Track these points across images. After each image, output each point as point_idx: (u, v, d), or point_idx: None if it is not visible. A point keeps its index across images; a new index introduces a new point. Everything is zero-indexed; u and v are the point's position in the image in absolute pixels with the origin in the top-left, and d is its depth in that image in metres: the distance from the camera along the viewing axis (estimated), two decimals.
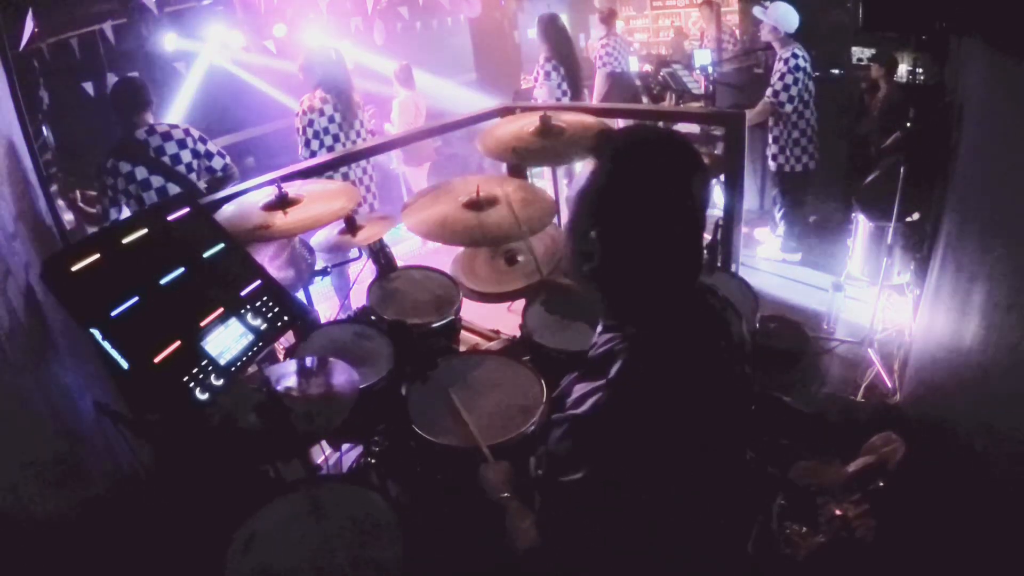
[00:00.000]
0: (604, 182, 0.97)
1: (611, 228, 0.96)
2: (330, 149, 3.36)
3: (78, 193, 2.92)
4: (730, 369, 1.04)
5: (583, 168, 1.03)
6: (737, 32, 6.56)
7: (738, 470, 1.16)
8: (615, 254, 0.97)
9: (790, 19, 3.92)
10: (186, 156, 2.88)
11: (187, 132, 2.93)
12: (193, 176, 2.91)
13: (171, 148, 2.85)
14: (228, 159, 3.08)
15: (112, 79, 4.59)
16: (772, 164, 4.27)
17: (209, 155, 2.98)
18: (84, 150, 3.85)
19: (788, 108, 3.98)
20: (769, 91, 4.02)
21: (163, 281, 1.34)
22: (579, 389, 0.98)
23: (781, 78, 3.93)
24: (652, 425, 0.90)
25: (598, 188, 0.98)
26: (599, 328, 1.09)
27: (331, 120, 3.37)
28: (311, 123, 3.33)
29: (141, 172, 2.76)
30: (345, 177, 3.36)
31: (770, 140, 4.24)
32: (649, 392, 0.92)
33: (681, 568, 0.99)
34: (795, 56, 3.90)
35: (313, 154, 3.33)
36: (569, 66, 4.65)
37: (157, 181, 2.79)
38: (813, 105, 4.12)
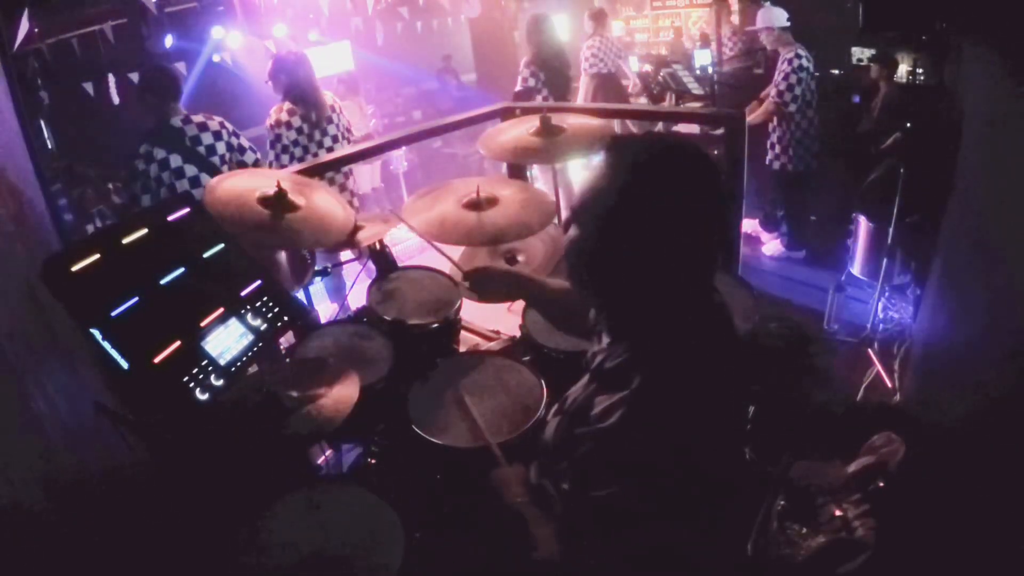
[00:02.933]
0: (621, 199, 0.94)
1: (636, 248, 0.93)
2: (300, 161, 3.22)
3: (110, 186, 2.93)
4: (736, 366, 1.04)
5: (589, 180, 1.00)
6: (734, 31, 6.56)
7: (738, 470, 1.16)
8: (639, 272, 0.95)
9: (777, 15, 4.05)
10: (220, 148, 2.89)
11: (222, 125, 2.94)
12: (224, 169, 2.91)
13: (207, 139, 2.85)
14: (259, 155, 3.10)
15: (112, 79, 4.61)
16: (776, 164, 4.28)
17: (242, 149, 3.01)
18: (84, 150, 3.86)
19: (792, 108, 4.03)
20: (774, 91, 4.08)
21: (163, 281, 1.34)
22: (601, 402, 0.97)
23: (785, 78, 4.00)
24: (679, 432, 0.90)
25: (615, 205, 0.94)
26: (606, 337, 1.08)
27: (299, 132, 3.26)
28: (278, 137, 3.23)
29: (176, 160, 2.76)
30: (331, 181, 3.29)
31: (773, 140, 4.25)
32: (674, 399, 0.92)
33: (680, 569, 0.99)
34: (798, 57, 3.99)
35: (282, 168, 3.19)
36: (551, 70, 4.37)
37: (191, 170, 2.79)
38: (815, 105, 4.16)
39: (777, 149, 4.25)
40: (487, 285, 1.52)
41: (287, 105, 3.27)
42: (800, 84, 3.99)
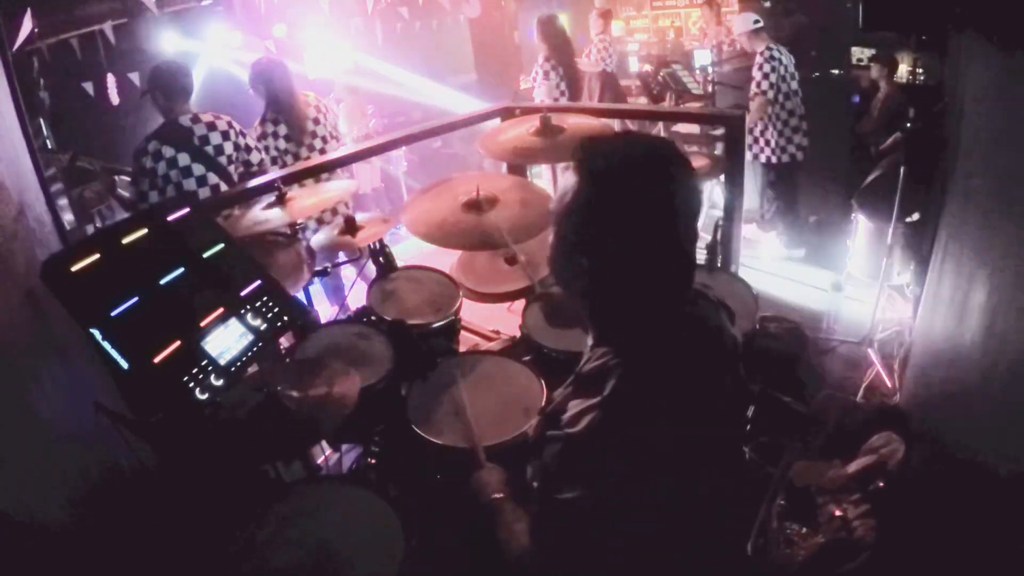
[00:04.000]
0: (586, 202, 0.95)
1: (597, 249, 0.94)
2: None
3: (116, 179, 2.92)
4: (723, 375, 1.03)
5: (563, 183, 1.00)
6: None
7: (736, 472, 1.16)
8: (603, 274, 0.95)
9: (744, 19, 4.33)
10: (228, 148, 2.89)
11: (230, 124, 2.93)
12: (231, 168, 2.92)
13: (215, 139, 2.84)
14: (264, 155, 3.09)
15: (112, 79, 4.61)
16: (762, 157, 4.35)
17: (248, 149, 3.00)
18: (84, 149, 3.85)
19: (770, 94, 4.19)
20: (754, 87, 4.24)
21: (163, 281, 1.34)
22: (574, 406, 0.96)
23: (760, 69, 4.21)
24: (648, 443, 0.90)
25: (580, 208, 0.95)
26: (590, 341, 1.08)
27: (288, 140, 3.23)
28: (267, 149, 3.20)
29: (184, 158, 2.75)
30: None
31: (756, 134, 4.32)
32: (644, 410, 0.91)
33: (680, 570, 0.99)
34: (769, 49, 4.20)
35: None
36: (567, 66, 4.65)
37: (198, 169, 2.79)
38: (797, 99, 4.26)
39: (761, 142, 4.34)
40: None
41: (270, 115, 3.23)
42: (774, 72, 4.15)
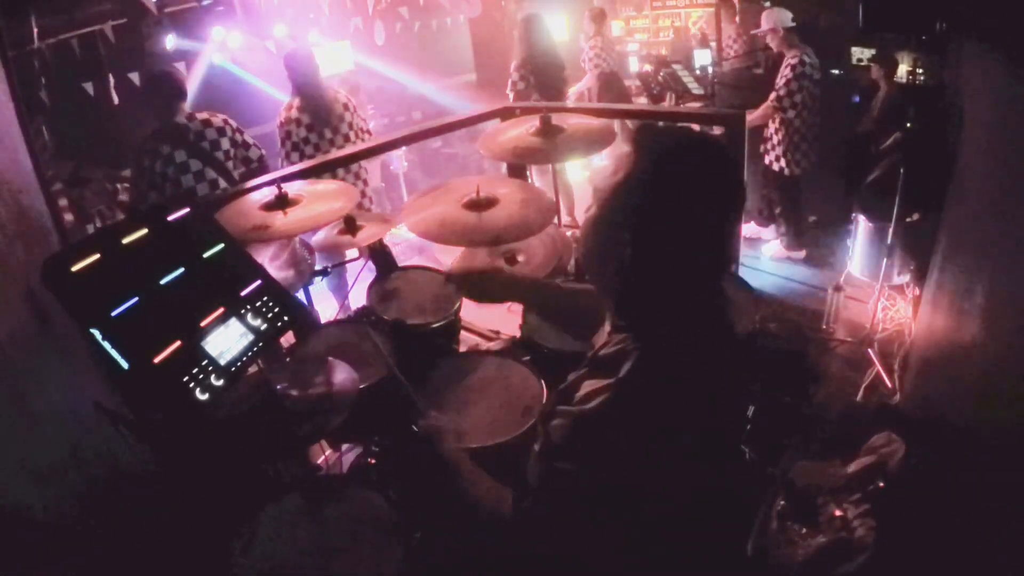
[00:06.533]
0: (646, 182, 0.94)
1: (647, 229, 0.94)
2: (310, 159, 3.18)
3: (118, 186, 2.97)
4: (731, 370, 1.04)
5: (616, 158, 1.00)
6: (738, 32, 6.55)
7: (737, 470, 1.16)
8: (646, 254, 0.95)
9: (783, 17, 4.03)
10: (224, 144, 2.93)
11: (226, 122, 2.97)
12: (229, 164, 2.95)
13: (211, 134, 2.89)
14: (263, 151, 3.11)
15: (112, 79, 4.61)
16: (775, 166, 4.27)
17: (246, 145, 3.03)
18: (84, 150, 3.86)
19: (791, 114, 4.04)
20: (773, 94, 4.06)
21: (163, 281, 1.34)
22: (587, 386, 0.97)
23: (787, 84, 3.99)
24: (658, 426, 0.90)
25: (639, 187, 0.95)
26: (608, 327, 1.08)
27: (309, 129, 3.24)
28: (288, 135, 3.23)
29: (180, 155, 2.79)
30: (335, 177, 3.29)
31: (774, 142, 4.25)
32: (657, 393, 0.91)
33: (679, 568, 0.99)
34: (802, 63, 3.96)
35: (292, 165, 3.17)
36: (542, 73, 4.33)
37: (195, 165, 2.82)
38: (817, 108, 4.16)
39: (778, 151, 4.25)
40: (477, 288, 1.49)
41: (296, 102, 3.26)
42: (801, 91, 3.98)
